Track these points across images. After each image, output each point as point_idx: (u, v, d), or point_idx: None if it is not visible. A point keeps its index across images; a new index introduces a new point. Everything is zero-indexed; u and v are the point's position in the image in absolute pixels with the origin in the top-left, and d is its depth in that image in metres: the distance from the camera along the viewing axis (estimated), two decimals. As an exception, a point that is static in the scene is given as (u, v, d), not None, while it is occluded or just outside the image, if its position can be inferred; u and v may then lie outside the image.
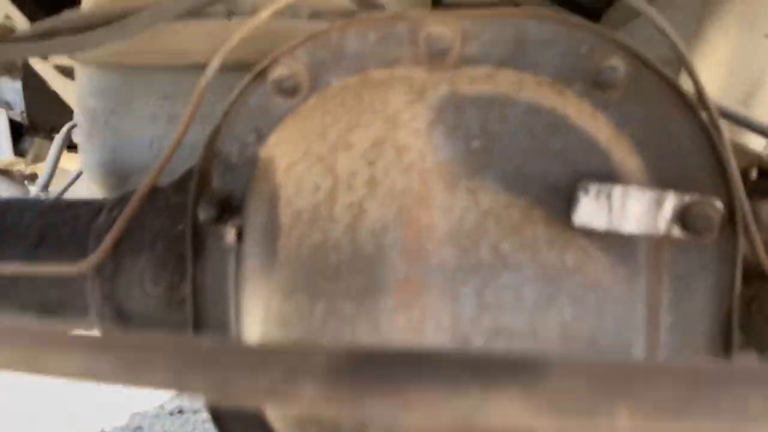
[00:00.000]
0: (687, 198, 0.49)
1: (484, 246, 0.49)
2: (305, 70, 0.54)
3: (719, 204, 0.49)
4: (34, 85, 1.46)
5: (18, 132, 1.80)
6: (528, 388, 0.22)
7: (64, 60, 0.95)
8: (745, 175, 0.55)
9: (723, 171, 0.50)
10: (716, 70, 1.05)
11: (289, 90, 0.54)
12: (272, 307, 0.50)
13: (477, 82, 0.51)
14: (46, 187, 1.39)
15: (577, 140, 0.50)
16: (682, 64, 0.51)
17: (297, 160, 0.52)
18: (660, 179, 0.50)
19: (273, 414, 0.53)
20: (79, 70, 0.85)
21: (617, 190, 0.48)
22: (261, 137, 0.56)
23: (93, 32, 0.62)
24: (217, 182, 0.58)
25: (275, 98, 0.55)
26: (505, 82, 0.51)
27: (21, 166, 1.81)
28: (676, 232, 0.49)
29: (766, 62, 1.00)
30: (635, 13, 1.26)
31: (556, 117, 0.50)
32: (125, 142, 0.82)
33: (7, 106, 1.76)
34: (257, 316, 0.52)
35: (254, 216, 0.54)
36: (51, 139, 1.62)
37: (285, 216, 0.51)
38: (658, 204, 0.49)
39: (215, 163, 0.57)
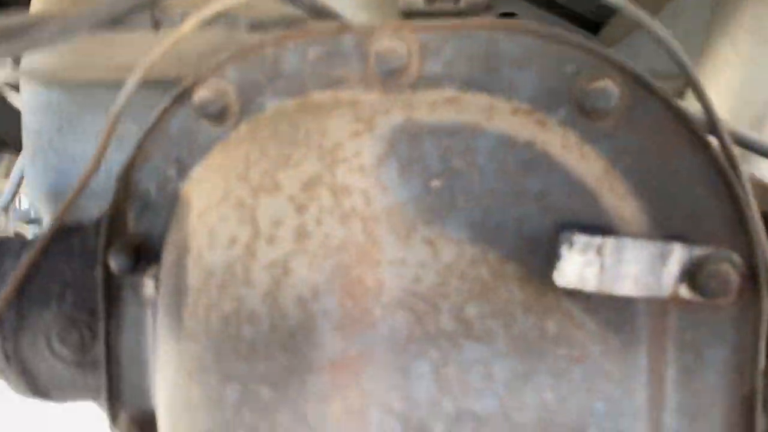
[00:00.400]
0: (697, 251, 0.40)
1: (445, 311, 0.39)
2: (235, 92, 0.45)
3: (737, 258, 0.40)
4: (1, 100, 1.40)
5: (-14, 148, 1.73)
6: None
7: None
8: (767, 218, 0.46)
9: (741, 216, 0.40)
10: (727, 89, 0.96)
11: (216, 115, 0.45)
12: (179, 389, 0.41)
13: (438, 108, 0.42)
14: (6, 208, 1.30)
15: (560, 180, 0.40)
16: (690, 84, 0.42)
17: (214, 203, 0.43)
18: (663, 228, 0.41)
19: None
20: (23, 86, 0.78)
21: (610, 244, 0.39)
22: (183, 170, 0.47)
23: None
24: (133, 224, 0.48)
25: (200, 124, 0.46)
26: (473, 109, 0.42)
27: (-10, 182, 1.73)
28: (685, 292, 0.40)
29: (781, 79, 0.91)
30: (636, 25, 1.18)
31: (535, 151, 0.40)
32: (71, 163, 0.75)
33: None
34: (165, 395, 0.42)
35: (164, 271, 0.44)
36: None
37: (194, 275, 0.41)
38: (662, 260, 0.39)
39: (131, 202, 0.48)
